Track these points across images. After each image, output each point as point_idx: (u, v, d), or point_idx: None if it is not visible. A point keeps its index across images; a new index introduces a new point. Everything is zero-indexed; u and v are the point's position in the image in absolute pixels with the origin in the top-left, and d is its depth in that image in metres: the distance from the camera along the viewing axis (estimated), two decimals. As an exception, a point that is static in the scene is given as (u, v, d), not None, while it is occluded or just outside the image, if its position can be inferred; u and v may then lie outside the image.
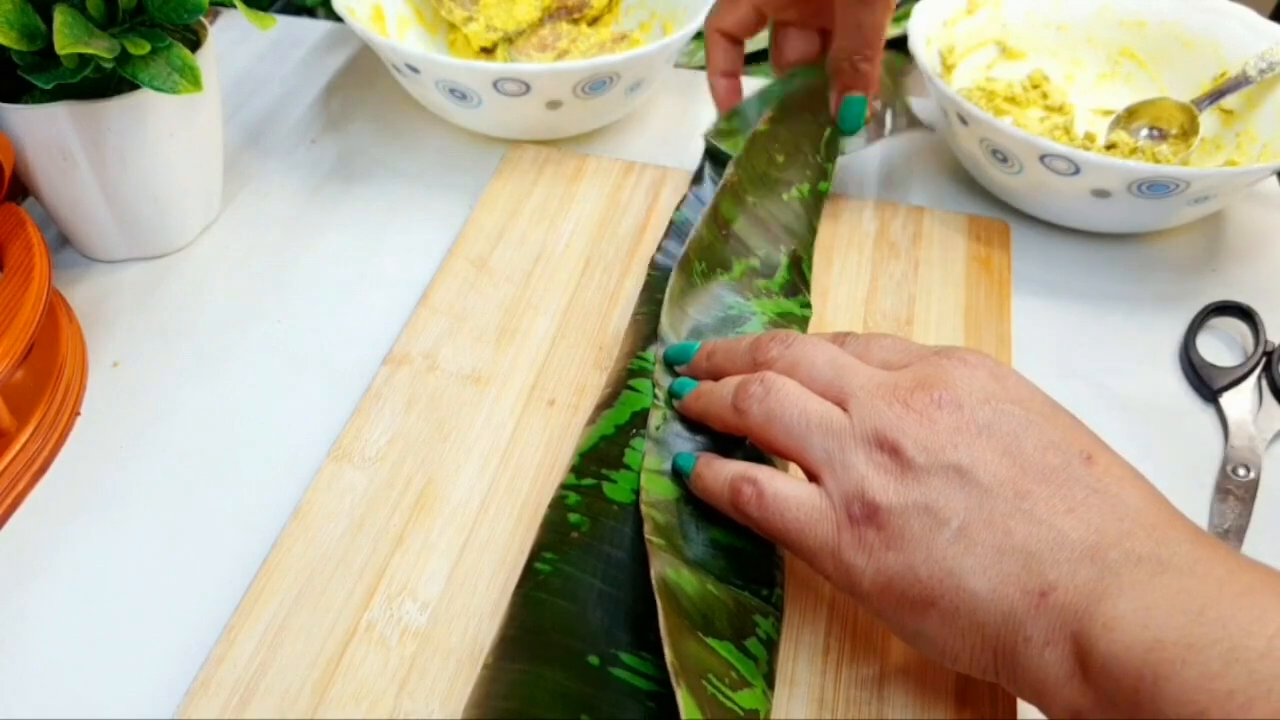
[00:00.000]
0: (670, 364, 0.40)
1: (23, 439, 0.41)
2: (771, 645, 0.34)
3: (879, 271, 0.51)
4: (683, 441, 0.38)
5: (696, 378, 0.39)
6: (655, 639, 0.32)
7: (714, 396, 0.36)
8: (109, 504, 0.41)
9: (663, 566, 0.32)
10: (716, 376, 0.37)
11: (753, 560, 0.36)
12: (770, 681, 0.33)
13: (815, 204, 0.49)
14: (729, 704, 0.31)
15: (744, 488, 0.33)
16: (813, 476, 0.32)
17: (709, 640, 0.32)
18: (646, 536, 0.33)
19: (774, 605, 0.35)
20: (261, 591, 0.37)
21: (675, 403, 0.39)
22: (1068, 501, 0.28)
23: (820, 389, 0.33)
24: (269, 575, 0.37)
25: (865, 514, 0.30)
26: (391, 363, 0.46)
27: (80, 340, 0.47)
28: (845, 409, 0.32)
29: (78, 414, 0.44)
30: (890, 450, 0.30)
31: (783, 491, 0.32)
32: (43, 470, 0.42)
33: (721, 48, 0.53)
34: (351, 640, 0.36)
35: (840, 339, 0.36)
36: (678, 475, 0.37)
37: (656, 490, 0.36)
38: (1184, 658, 0.24)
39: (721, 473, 0.34)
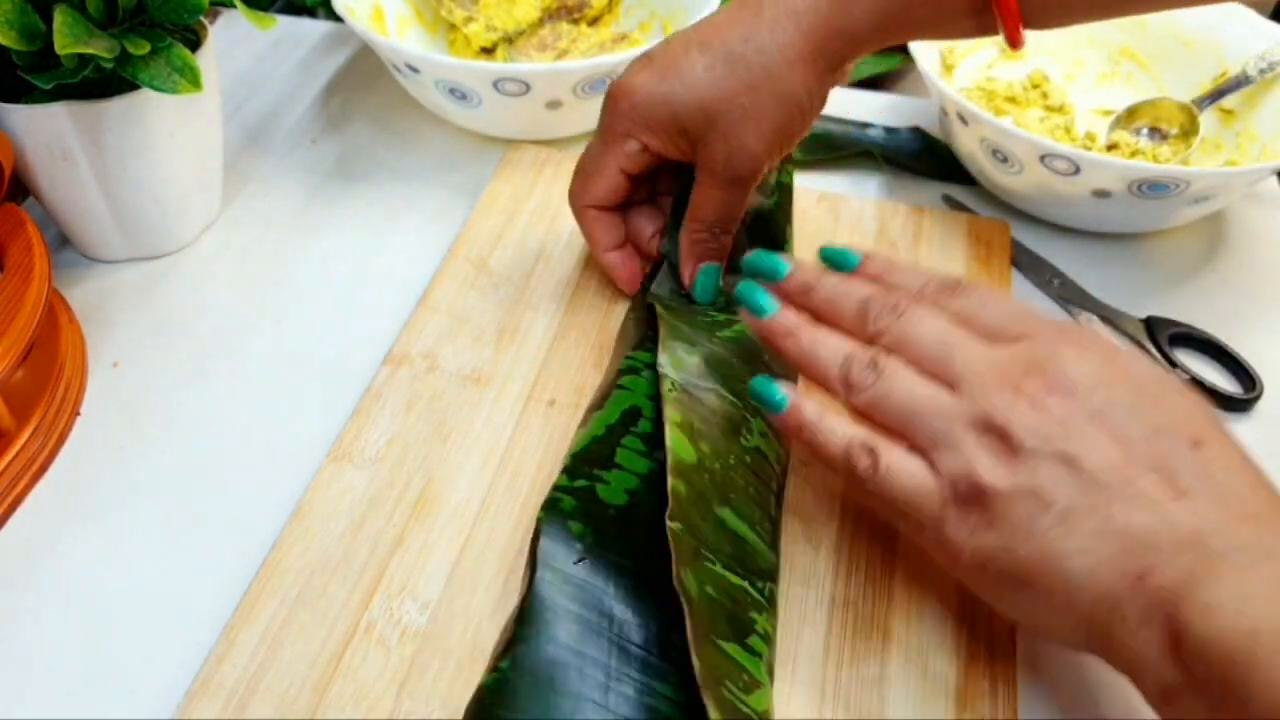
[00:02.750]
0: (753, 271, 0.38)
1: (23, 439, 0.41)
2: (769, 640, 0.34)
3: (879, 271, 0.51)
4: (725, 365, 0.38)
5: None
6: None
7: (818, 356, 0.35)
8: (109, 504, 0.41)
9: (680, 565, 0.32)
10: (809, 309, 0.37)
11: (752, 551, 0.36)
12: (770, 678, 0.33)
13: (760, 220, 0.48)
14: (745, 708, 0.31)
15: (862, 458, 0.33)
16: (921, 453, 0.32)
17: (720, 643, 0.32)
18: (668, 521, 0.33)
19: (767, 600, 0.35)
20: (261, 591, 0.37)
21: (746, 314, 0.37)
22: (1173, 489, 0.29)
23: (930, 368, 0.33)
24: (269, 575, 0.37)
25: (972, 495, 0.31)
26: (391, 363, 0.46)
27: (80, 340, 0.47)
28: (955, 390, 0.32)
29: (78, 414, 0.44)
30: (999, 434, 0.31)
31: (895, 465, 0.32)
32: (43, 470, 0.42)
33: (602, 223, 0.47)
34: (351, 640, 0.36)
35: (950, 291, 0.35)
36: (760, 401, 0.35)
37: (681, 451, 0.35)
38: (1278, 646, 0.25)
39: (837, 433, 0.34)
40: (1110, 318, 0.49)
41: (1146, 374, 0.32)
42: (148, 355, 0.47)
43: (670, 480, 0.34)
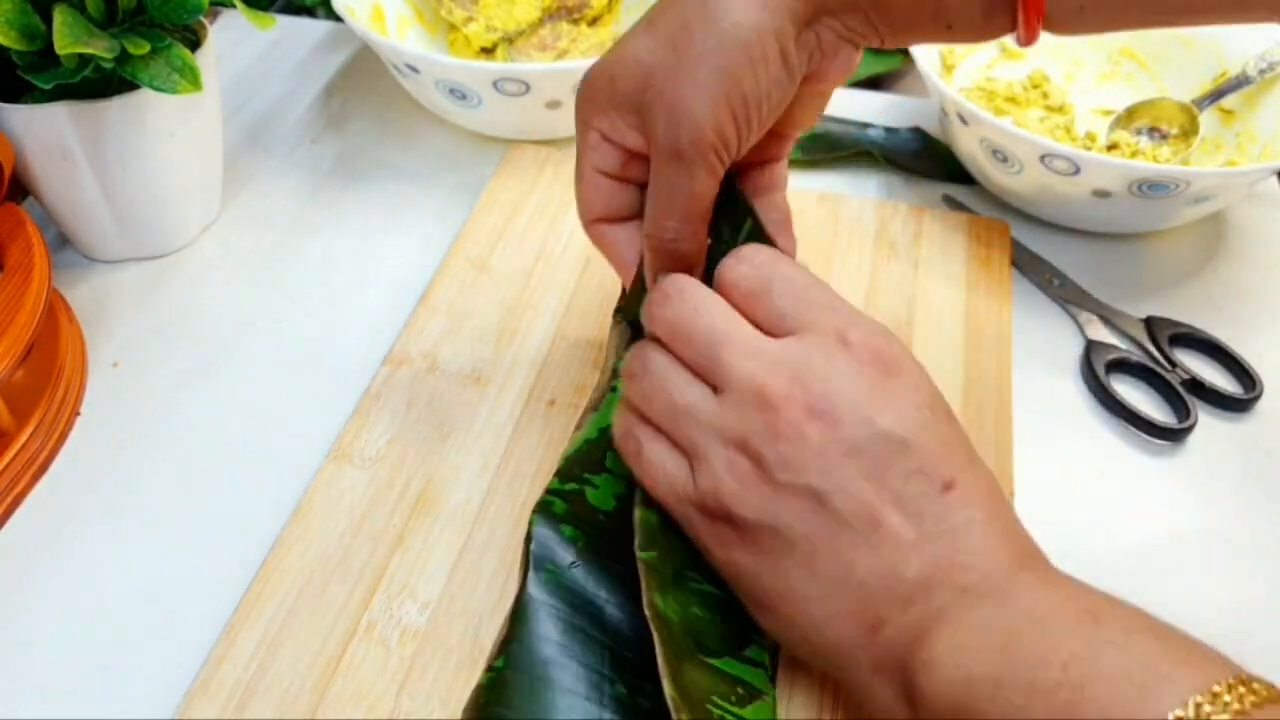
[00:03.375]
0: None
1: (23, 439, 0.41)
2: (774, 645, 0.34)
3: (879, 272, 0.51)
4: None
5: None
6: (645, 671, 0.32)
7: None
8: (109, 504, 0.41)
9: (651, 593, 0.32)
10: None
11: None
12: (774, 682, 0.33)
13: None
14: None
15: (628, 442, 0.34)
16: (683, 454, 0.33)
17: (709, 660, 0.32)
18: (637, 553, 0.33)
19: None
20: (261, 591, 0.37)
21: None
22: (915, 532, 0.29)
23: (698, 366, 0.32)
24: (269, 575, 0.37)
25: (720, 514, 0.31)
26: (391, 363, 0.46)
27: (80, 340, 0.47)
28: (720, 393, 0.32)
29: (78, 414, 0.44)
30: (754, 457, 0.30)
31: (657, 460, 0.33)
32: (43, 470, 0.42)
33: (612, 239, 0.39)
34: (351, 640, 0.36)
35: (762, 252, 0.34)
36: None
37: None
38: (991, 694, 0.26)
39: (620, 420, 0.35)
40: (1110, 318, 0.49)
41: (920, 397, 0.31)
42: (148, 355, 0.47)
43: (638, 511, 0.34)
